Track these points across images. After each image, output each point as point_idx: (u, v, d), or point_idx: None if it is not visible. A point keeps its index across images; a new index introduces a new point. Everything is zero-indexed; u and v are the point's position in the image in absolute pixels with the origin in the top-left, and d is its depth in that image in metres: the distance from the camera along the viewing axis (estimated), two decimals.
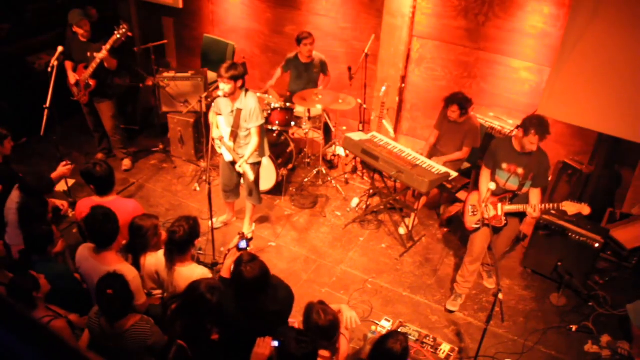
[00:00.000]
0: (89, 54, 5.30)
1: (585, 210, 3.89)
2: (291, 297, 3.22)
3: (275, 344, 2.76)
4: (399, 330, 3.95)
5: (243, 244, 3.25)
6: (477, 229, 4.32)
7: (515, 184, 4.13)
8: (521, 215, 4.27)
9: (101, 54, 5.16)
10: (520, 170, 4.08)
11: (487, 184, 4.23)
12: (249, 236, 3.34)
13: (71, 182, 5.10)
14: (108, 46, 5.13)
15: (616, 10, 4.01)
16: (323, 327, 2.85)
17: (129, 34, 5.15)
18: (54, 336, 0.84)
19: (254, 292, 2.97)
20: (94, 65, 5.24)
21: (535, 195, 4.10)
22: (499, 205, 4.14)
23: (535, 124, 3.90)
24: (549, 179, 5.29)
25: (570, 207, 3.90)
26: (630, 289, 4.67)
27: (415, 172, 4.61)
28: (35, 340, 0.81)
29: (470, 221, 4.38)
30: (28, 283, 3.02)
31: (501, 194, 4.19)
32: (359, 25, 6.05)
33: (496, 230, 4.25)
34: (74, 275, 3.59)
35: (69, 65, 5.44)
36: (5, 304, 0.87)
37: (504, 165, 4.15)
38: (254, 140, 4.45)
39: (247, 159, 4.44)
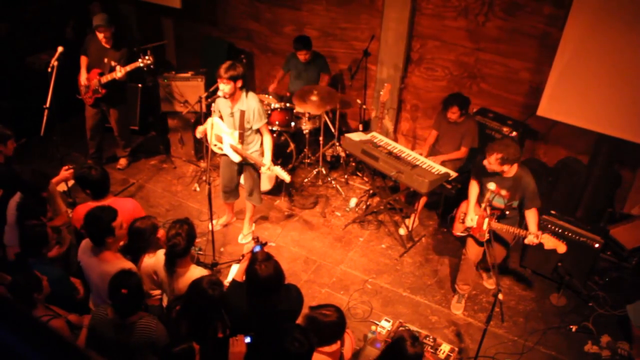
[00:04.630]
0: (105, 60, 5.30)
1: (561, 248, 3.84)
2: (301, 298, 3.22)
3: (248, 339, 2.82)
4: (399, 330, 3.94)
5: (257, 249, 3.24)
6: (462, 237, 4.34)
7: (500, 203, 4.07)
8: (507, 244, 4.25)
9: (118, 74, 5.15)
10: (504, 192, 4.02)
11: (475, 195, 4.26)
12: (264, 241, 3.34)
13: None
14: (128, 69, 5.14)
15: (616, 11, 4.01)
16: (336, 321, 2.86)
17: (152, 67, 5.16)
18: (54, 334, 0.84)
19: (267, 290, 2.97)
20: (108, 77, 5.24)
21: (531, 218, 4.04)
22: (486, 220, 4.02)
23: (496, 149, 3.86)
24: (549, 178, 5.30)
25: (548, 242, 3.85)
26: (630, 289, 4.66)
27: (415, 172, 4.61)
28: (35, 339, 0.81)
29: (458, 228, 4.39)
30: (31, 283, 3.03)
31: (490, 210, 4.11)
32: (359, 25, 6.05)
33: (480, 244, 4.21)
34: (70, 281, 3.59)
35: (83, 61, 5.43)
36: (5, 302, 0.87)
37: (490, 184, 4.07)
38: (267, 139, 4.44)
39: (270, 160, 4.39)
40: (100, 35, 5.24)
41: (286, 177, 4.38)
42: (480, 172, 4.18)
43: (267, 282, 2.93)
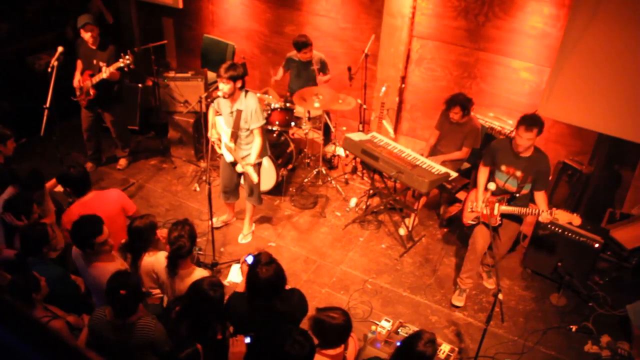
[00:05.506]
0: (94, 62, 5.30)
1: (576, 220, 3.89)
2: (305, 304, 3.20)
3: (248, 340, 2.82)
4: (399, 329, 3.94)
5: (250, 259, 3.23)
6: (473, 226, 4.37)
7: (513, 186, 4.14)
8: (519, 218, 4.28)
9: (104, 75, 5.15)
10: (518, 173, 4.09)
11: (484, 181, 4.27)
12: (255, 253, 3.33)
13: None
14: (112, 69, 5.13)
15: (616, 11, 4.01)
16: (343, 324, 2.87)
17: (132, 66, 5.14)
18: (54, 335, 0.84)
19: (266, 293, 2.97)
20: (96, 79, 5.25)
21: (541, 199, 4.09)
22: (496, 205, 4.16)
23: (525, 120, 3.90)
24: (549, 178, 5.30)
25: (562, 216, 3.90)
26: (630, 289, 4.66)
27: (415, 172, 4.61)
28: (34, 339, 0.81)
29: (468, 217, 4.43)
30: (29, 284, 3.02)
31: (499, 195, 4.20)
32: (359, 25, 6.05)
33: (493, 229, 4.25)
34: (71, 279, 3.59)
35: (79, 64, 5.47)
36: (4, 303, 0.87)
37: (503, 167, 4.16)
38: (257, 141, 4.42)
39: (253, 161, 4.38)
40: (87, 35, 5.22)
41: (255, 178, 4.37)
42: (494, 156, 4.22)
43: (267, 285, 2.93)
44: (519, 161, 4.08)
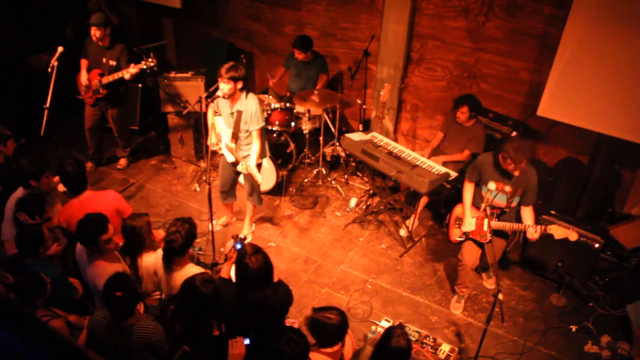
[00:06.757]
0: (104, 60, 5.30)
1: (573, 236, 3.80)
2: (289, 295, 3.25)
3: (247, 341, 2.83)
4: None
5: (238, 246, 3.24)
6: (461, 242, 4.30)
7: (502, 201, 4.04)
8: (507, 235, 4.23)
9: (126, 74, 5.14)
10: (507, 188, 3.97)
11: (470, 198, 4.20)
12: (242, 236, 3.35)
13: None
14: (135, 71, 5.12)
15: (616, 11, 4.01)
16: (339, 324, 2.89)
17: (156, 69, 5.16)
18: (54, 334, 0.84)
19: (258, 282, 2.99)
20: (109, 78, 5.25)
21: (528, 214, 4.02)
22: (485, 220, 4.03)
23: (512, 150, 3.76)
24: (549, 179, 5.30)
25: (558, 231, 3.82)
26: (630, 289, 4.66)
27: (415, 172, 4.61)
28: (34, 339, 0.81)
29: (454, 234, 4.34)
30: (35, 286, 3.02)
31: (490, 210, 4.08)
32: (359, 25, 6.05)
33: (480, 245, 4.19)
34: (68, 280, 3.58)
35: (84, 63, 5.46)
36: (6, 303, 0.87)
37: (491, 184, 4.05)
38: (256, 144, 4.40)
39: (254, 163, 4.36)
40: (92, 32, 5.23)
41: (259, 178, 4.34)
42: (481, 172, 4.13)
43: (259, 274, 2.96)
44: (507, 176, 3.96)
